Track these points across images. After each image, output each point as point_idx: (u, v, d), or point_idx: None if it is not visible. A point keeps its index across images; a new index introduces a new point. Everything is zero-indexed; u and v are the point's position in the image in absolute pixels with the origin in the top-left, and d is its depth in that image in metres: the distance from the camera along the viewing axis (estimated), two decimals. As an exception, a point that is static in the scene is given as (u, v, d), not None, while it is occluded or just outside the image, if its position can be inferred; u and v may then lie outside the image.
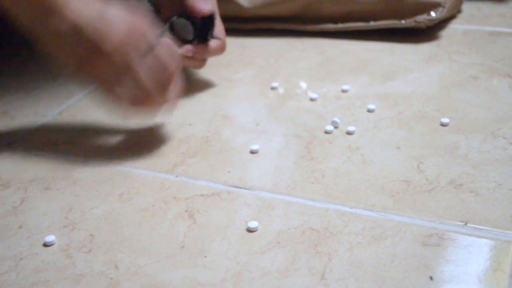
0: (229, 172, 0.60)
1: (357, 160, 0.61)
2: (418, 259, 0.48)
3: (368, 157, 0.61)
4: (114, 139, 0.67)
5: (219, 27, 0.73)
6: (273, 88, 0.76)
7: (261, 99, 0.74)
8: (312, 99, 0.72)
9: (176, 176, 0.60)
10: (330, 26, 0.90)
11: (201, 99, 0.75)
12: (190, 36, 0.71)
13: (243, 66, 0.81)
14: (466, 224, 0.51)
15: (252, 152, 0.63)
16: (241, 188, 0.58)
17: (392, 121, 0.67)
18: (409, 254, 0.49)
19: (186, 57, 0.70)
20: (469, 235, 0.50)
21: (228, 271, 0.48)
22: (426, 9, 0.85)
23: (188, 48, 0.71)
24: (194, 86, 0.78)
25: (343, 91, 0.74)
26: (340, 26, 0.89)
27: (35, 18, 0.56)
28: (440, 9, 0.85)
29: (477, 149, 0.61)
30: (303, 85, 0.76)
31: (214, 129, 0.68)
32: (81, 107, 0.75)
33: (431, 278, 0.46)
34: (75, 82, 0.64)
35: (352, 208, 0.54)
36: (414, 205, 0.54)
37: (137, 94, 0.60)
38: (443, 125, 0.65)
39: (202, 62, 0.75)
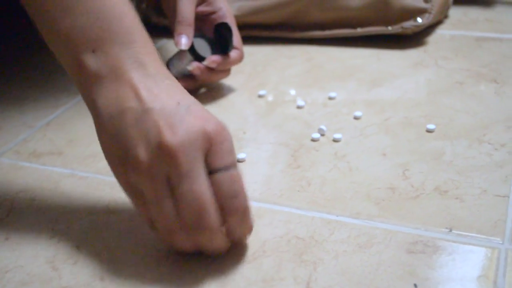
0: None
1: (343, 167, 0.61)
2: (403, 267, 0.48)
3: (354, 165, 0.61)
4: (101, 150, 0.67)
5: (236, 37, 0.75)
6: (260, 96, 0.76)
7: (248, 107, 0.74)
8: (299, 107, 0.73)
9: (163, 186, 0.60)
10: (318, 33, 0.90)
11: (189, 108, 0.75)
12: (208, 54, 0.74)
13: (231, 74, 0.81)
14: (451, 230, 0.51)
15: (239, 161, 0.63)
16: (228, 197, 0.58)
17: (379, 128, 0.67)
18: (394, 261, 0.49)
19: (210, 70, 0.72)
20: (454, 241, 0.50)
21: (213, 281, 0.48)
22: (413, 15, 0.86)
23: (212, 59, 0.72)
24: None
25: (330, 98, 0.74)
26: (328, 33, 0.90)
27: (99, 81, 0.48)
28: (427, 15, 0.86)
29: (463, 155, 0.61)
30: (292, 92, 0.77)
31: (201, 138, 0.68)
32: (68, 117, 0.75)
33: (415, 285, 0.46)
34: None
35: (337, 216, 0.54)
36: (399, 212, 0.54)
37: (173, 222, 0.47)
38: (429, 131, 0.66)
39: (226, 72, 0.76)
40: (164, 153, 0.45)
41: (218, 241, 0.48)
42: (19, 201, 0.60)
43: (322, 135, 0.66)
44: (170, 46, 0.94)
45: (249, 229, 0.49)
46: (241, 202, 0.48)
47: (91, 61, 0.48)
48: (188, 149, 0.45)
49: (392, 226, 0.53)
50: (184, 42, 0.72)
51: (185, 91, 0.51)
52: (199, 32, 0.75)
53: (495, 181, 0.57)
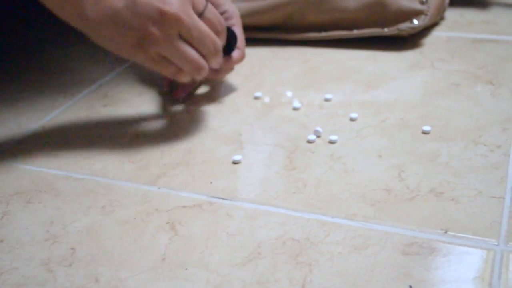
0: (211, 183, 0.60)
1: (339, 169, 0.61)
2: (398, 268, 0.48)
3: (350, 166, 0.61)
4: (96, 152, 0.67)
5: (240, 38, 0.76)
6: (256, 98, 0.76)
7: (244, 109, 0.74)
8: (295, 109, 0.73)
9: (159, 188, 0.60)
10: (314, 35, 0.90)
11: (184, 109, 0.75)
12: None
13: (227, 76, 0.81)
14: (446, 232, 0.51)
15: (235, 162, 0.63)
16: (223, 199, 0.58)
17: (375, 129, 0.67)
18: (389, 263, 0.49)
19: (213, 69, 0.72)
20: (449, 243, 0.50)
21: (209, 283, 0.48)
22: (409, 17, 0.86)
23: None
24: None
25: (326, 100, 0.74)
26: (324, 34, 0.90)
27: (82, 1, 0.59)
28: (423, 17, 0.86)
29: (458, 157, 0.61)
30: (289, 94, 0.77)
31: (197, 139, 0.68)
32: (64, 119, 0.75)
33: (410, 287, 0.46)
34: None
35: (333, 217, 0.54)
36: (394, 214, 0.54)
37: (199, 61, 0.63)
38: (424, 133, 0.66)
39: (228, 70, 0.77)
40: (169, 20, 0.60)
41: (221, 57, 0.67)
42: (14, 203, 0.60)
43: (318, 136, 0.66)
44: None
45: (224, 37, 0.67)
46: (222, 24, 0.66)
47: None
48: (184, 9, 0.60)
49: (388, 228, 0.52)
50: None
51: None
52: None
53: (490, 182, 0.57)
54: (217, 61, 0.66)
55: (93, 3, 0.59)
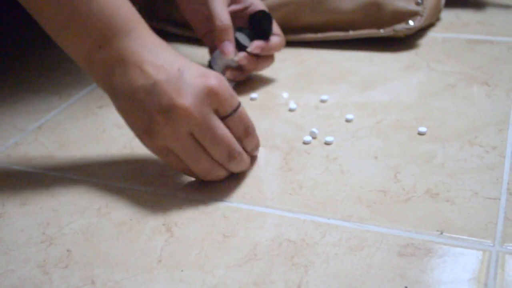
0: (207, 184, 0.60)
1: (334, 170, 0.61)
2: (394, 270, 0.48)
3: (345, 167, 0.61)
4: (92, 153, 0.67)
5: (274, 24, 0.77)
6: (252, 99, 0.76)
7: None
8: (291, 110, 0.73)
9: (155, 189, 0.60)
10: (310, 36, 0.90)
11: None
12: (249, 43, 0.76)
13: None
14: (441, 233, 0.52)
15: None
16: (219, 200, 0.58)
17: (370, 130, 0.67)
18: (385, 264, 0.49)
19: (255, 57, 0.75)
20: (445, 244, 0.50)
21: (205, 285, 0.48)
22: (404, 18, 0.86)
23: (255, 45, 0.75)
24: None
25: (322, 101, 0.74)
26: (320, 35, 0.90)
27: (110, 70, 0.57)
28: (418, 17, 0.86)
29: (454, 158, 0.61)
30: (285, 95, 0.77)
31: (193, 141, 0.68)
32: (60, 121, 0.75)
33: (406, 288, 0.46)
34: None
35: (329, 219, 0.54)
36: (390, 215, 0.54)
37: (209, 165, 0.58)
38: (420, 134, 0.66)
39: (270, 59, 0.78)
40: (179, 114, 0.54)
41: (245, 159, 0.59)
42: (10, 205, 0.60)
43: (314, 138, 0.66)
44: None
45: (258, 143, 0.62)
46: (251, 129, 0.60)
47: (100, 56, 0.57)
48: (199, 106, 0.55)
49: (383, 229, 0.53)
50: (230, 49, 0.74)
51: (180, 55, 0.58)
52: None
53: (486, 183, 0.57)
54: (237, 166, 0.59)
55: (120, 74, 0.56)
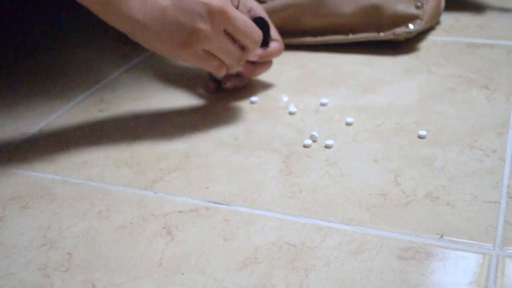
0: (207, 187, 0.61)
1: (335, 174, 0.61)
2: (394, 273, 0.48)
3: (346, 171, 0.61)
4: (93, 157, 0.67)
5: (273, 29, 0.78)
6: (252, 102, 0.76)
7: (240, 113, 0.74)
8: (291, 113, 0.73)
9: (155, 193, 0.61)
10: (310, 40, 0.90)
11: (180, 113, 0.75)
12: None
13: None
14: (442, 237, 0.52)
15: (232, 167, 0.63)
16: (220, 203, 0.58)
17: (370, 134, 0.67)
18: (385, 268, 0.49)
19: (253, 64, 0.76)
20: (445, 248, 0.50)
21: (205, 288, 0.48)
22: (404, 21, 0.86)
23: (257, 52, 0.75)
24: (172, 102, 0.78)
25: (322, 104, 0.74)
26: (320, 39, 0.90)
27: (128, 4, 0.60)
28: (418, 21, 0.86)
29: (454, 161, 0.61)
30: (285, 98, 0.77)
31: (193, 144, 0.68)
32: (60, 124, 0.75)
33: (406, 292, 0.46)
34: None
35: (329, 222, 0.55)
36: (390, 218, 0.54)
37: (240, 53, 0.67)
38: (420, 137, 0.66)
39: (268, 64, 0.79)
40: (216, 15, 0.62)
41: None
42: (11, 208, 0.60)
43: (314, 141, 0.67)
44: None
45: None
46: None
47: None
48: (227, 2, 0.63)
49: (384, 233, 0.53)
50: None
51: None
52: None
53: (486, 187, 0.57)
54: (257, 50, 0.72)
55: (139, 4, 0.61)
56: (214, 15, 0.62)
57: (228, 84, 0.77)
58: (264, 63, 0.78)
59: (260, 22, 0.75)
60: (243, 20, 0.65)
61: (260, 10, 0.78)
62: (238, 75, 0.78)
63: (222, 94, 0.79)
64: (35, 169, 0.66)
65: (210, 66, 0.67)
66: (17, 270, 0.52)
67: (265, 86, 0.81)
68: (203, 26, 0.62)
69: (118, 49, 0.97)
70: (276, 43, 0.78)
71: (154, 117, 0.75)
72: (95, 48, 0.99)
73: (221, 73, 0.69)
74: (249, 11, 0.77)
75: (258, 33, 0.68)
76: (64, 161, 0.67)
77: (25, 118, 0.77)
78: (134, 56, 0.94)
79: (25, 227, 0.57)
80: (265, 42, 0.76)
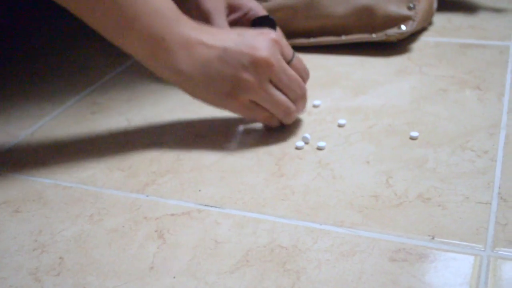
0: (200, 190, 0.61)
1: (327, 175, 0.61)
2: (386, 275, 0.48)
3: (337, 173, 0.61)
4: (85, 160, 0.67)
5: (277, 29, 0.79)
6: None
7: (233, 115, 0.74)
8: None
9: (147, 196, 0.60)
10: (303, 41, 0.90)
11: (173, 116, 0.75)
12: None
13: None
14: (433, 238, 0.52)
15: (224, 170, 0.63)
16: (212, 206, 0.58)
17: (362, 135, 0.67)
18: (376, 270, 0.49)
19: None
20: (436, 249, 0.51)
21: (197, 292, 0.48)
22: (397, 22, 0.86)
23: None
24: (165, 104, 0.78)
25: (315, 106, 0.74)
26: (312, 40, 0.90)
27: (175, 56, 0.62)
28: (410, 22, 0.86)
29: (446, 162, 0.61)
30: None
31: (186, 147, 0.68)
32: (52, 127, 0.75)
33: (397, 294, 0.46)
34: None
35: (321, 224, 0.55)
36: (382, 220, 0.54)
37: (289, 105, 0.66)
38: (412, 138, 0.66)
39: None
40: (261, 65, 0.62)
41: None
42: (2, 212, 0.60)
43: (306, 143, 0.67)
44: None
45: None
46: (308, 71, 0.70)
47: (165, 46, 0.62)
48: (273, 54, 0.63)
49: (375, 234, 0.53)
50: None
51: (226, 29, 0.69)
52: None
53: (477, 188, 0.57)
54: (304, 104, 0.68)
55: (185, 55, 0.62)
56: (259, 66, 0.62)
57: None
58: None
59: (265, 20, 0.75)
60: (288, 74, 0.65)
61: (260, 9, 0.78)
62: None
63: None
64: (26, 172, 0.66)
65: (259, 118, 0.67)
66: (8, 275, 0.52)
67: (258, 88, 0.80)
68: (247, 76, 0.62)
69: (111, 51, 0.97)
70: None
71: (147, 119, 0.75)
72: (87, 51, 0.99)
73: (272, 125, 0.69)
74: (249, 11, 0.77)
75: (301, 87, 0.66)
76: (56, 165, 0.67)
77: (17, 121, 0.77)
78: (127, 58, 0.94)
79: (17, 231, 0.57)
80: None
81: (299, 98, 0.67)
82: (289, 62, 0.66)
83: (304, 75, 0.68)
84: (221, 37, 0.63)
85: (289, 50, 0.66)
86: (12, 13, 1.19)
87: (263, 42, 0.63)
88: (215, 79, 0.63)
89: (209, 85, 0.63)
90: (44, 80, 0.89)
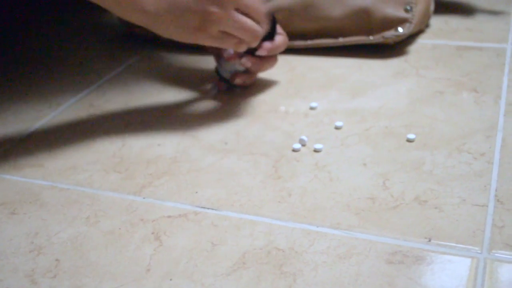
0: (196, 192, 0.61)
1: (323, 178, 0.61)
2: (382, 277, 0.48)
3: (334, 175, 0.61)
4: (82, 162, 0.67)
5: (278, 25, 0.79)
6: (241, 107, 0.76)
7: (229, 118, 0.74)
8: (280, 117, 0.73)
9: (144, 198, 0.60)
10: (300, 43, 0.90)
11: (170, 118, 0.75)
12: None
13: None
14: (430, 240, 0.52)
15: (221, 172, 0.63)
16: (208, 208, 0.58)
17: (359, 137, 0.67)
18: (373, 272, 0.49)
19: (260, 59, 0.77)
20: (433, 251, 0.51)
21: (193, 294, 0.48)
22: (394, 25, 0.86)
23: (263, 47, 0.76)
24: (162, 106, 0.78)
25: (312, 108, 0.74)
26: (309, 42, 0.90)
27: None
28: (407, 24, 0.86)
29: (442, 165, 0.61)
30: (276, 102, 0.77)
31: (183, 149, 0.68)
32: (49, 129, 0.74)
33: (394, 296, 0.46)
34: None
35: (318, 226, 0.55)
36: (379, 222, 0.54)
37: (256, 27, 0.69)
38: (409, 141, 0.66)
39: (274, 59, 0.80)
40: None
41: None
42: (-1, 214, 0.60)
43: (303, 145, 0.67)
44: (155, 56, 0.94)
45: None
46: None
47: None
48: None
49: (372, 237, 0.53)
50: (232, 54, 0.77)
51: None
52: None
53: (474, 190, 0.57)
54: (265, 27, 0.72)
55: None
56: None
57: (237, 80, 0.78)
58: (270, 58, 0.78)
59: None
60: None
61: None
62: (246, 71, 0.78)
63: (212, 98, 0.79)
64: (23, 174, 0.66)
65: (229, 45, 0.70)
66: (5, 277, 0.52)
67: (255, 89, 0.80)
68: (214, 8, 0.65)
69: (108, 53, 0.97)
70: (281, 37, 0.78)
71: (143, 121, 0.75)
72: (85, 53, 0.99)
73: (241, 49, 0.71)
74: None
75: (263, 11, 0.69)
76: (52, 166, 0.67)
77: (14, 123, 0.77)
78: (124, 60, 0.94)
79: (13, 233, 0.57)
80: (271, 36, 0.76)
81: (263, 20, 0.70)
82: None
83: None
84: None
85: None
86: (9, 15, 1.19)
87: None
88: (182, 15, 0.65)
89: (177, 21, 0.65)
90: (41, 82, 0.89)
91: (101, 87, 0.85)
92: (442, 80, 0.79)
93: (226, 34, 0.68)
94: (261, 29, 0.70)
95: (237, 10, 0.67)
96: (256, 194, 0.59)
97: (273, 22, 0.76)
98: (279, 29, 0.79)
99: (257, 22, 0.70)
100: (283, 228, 0.55)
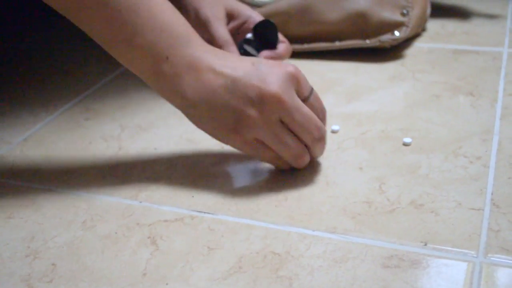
0: (193, 196, 0.61)
1: (320, 181, 0.61)
2: (378, 282, 0.48)
3: (331, 179, 0.61)
4: (78, 166, 0.67)
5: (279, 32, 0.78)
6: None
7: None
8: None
9: (140, 202, 0.60)
10: (296, 47, 0.91)
11: (167, 122, 0.75)
12: (256, 53, 0.77)
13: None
14: (426, 244, 0.52)
15: (217, 176, 0.63)
16: (205, 212, 0.58)
17: (356, 141, 0.67)
18: (369, 276, 0.49)
19: None
20: (429, 255, 0.51)
21: (190, 298, 0.48)
22: (390, 28, 0.86)
23: (264, 55, 0.75)
24: (158, 110, 0.78)
25: (308, 112, 0.74)
26: (306, 46, 0.90)
27: (180, 79, 0.57)
28: (404, 28, 0.86)
29: (438, 169, 0.61)
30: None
31: (179, 153, 0.68)
32: (46, 134, 0.74)
33: (390, 300, 0.46)
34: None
35: (314, 231, 0.55)
36: (375, 226, 0.54)
37: (299, 149, 0.59)
38: (405, 144, 0.66)
39: None
40: (270, 101, 0.56)
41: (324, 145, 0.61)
42: (-5, 219, 0.60)
43: (300, 149, 0.67)
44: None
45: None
46: (325, 109, 0.62)
47: (168, 66, 0.57)
48: (286, 90, 0.56)
49: (368, 241, 0.53)
50: None
51: (244, 57, 0.60)
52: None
53: (470, 194, 0.57)
54: (321, 148, 0.61)
55: (191, 80, 0.57)
56: (266, 101, 0.56)
57: None
58: None
59: (267, 24, 0.76)
60: (302, 113, 0.57)
61: (259, 18, 0.79)
62: None
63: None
64: (20, 178, 0.66)
65: (263, 158, 0.61)
66: (1, 281, 0.51)
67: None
68: (252, 112, 0.56)
69: (104, 57, 0.97)
70: (284, 45, 0.78)
71: (140, 125, 0.75)
72: (81, 57, 0.99)
73: (280, 167, 0.62)
74: (248, 19, 0.78)
75: (318, 128, 0.59)
76: (49, 171, 0.67)
77: (11, 127, 0.77)
78: (120, 65, 0.93)
79: (9, 238, 0.57)
80: (273, 44, 0.76)
81: (316, 141, 0.59)
82: (305, 100, 0.59)
83: (320, 115, 0.61)
84: (233, 65, 0.57)
85: (306, 85, 0.59)
86: (5, 19, 1.19)
87: (276, 76, 0.56)
88: (219, 110, 0.57)
89: (213, 116, 0.58)
90: (37, 86, 0.89)
91: (97, 92, 0.85)
92: (438, 84, 0.79)
93: (263, 145, 0.59)
94: (306, 151, 0.60)
95: (282, 122, 0.58)
96: (253, 198, 0.60)
97: (274, 30, 0.76)
98: (281, 36, 0.79)
99: (308, 141, 0.59)
100: (279, 232, 0.55)
